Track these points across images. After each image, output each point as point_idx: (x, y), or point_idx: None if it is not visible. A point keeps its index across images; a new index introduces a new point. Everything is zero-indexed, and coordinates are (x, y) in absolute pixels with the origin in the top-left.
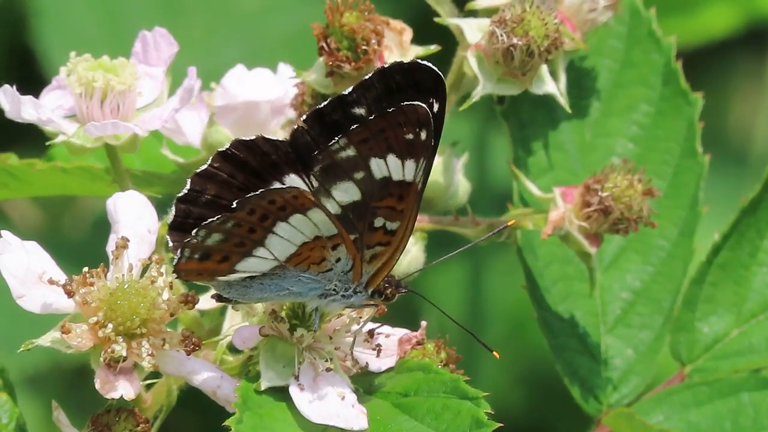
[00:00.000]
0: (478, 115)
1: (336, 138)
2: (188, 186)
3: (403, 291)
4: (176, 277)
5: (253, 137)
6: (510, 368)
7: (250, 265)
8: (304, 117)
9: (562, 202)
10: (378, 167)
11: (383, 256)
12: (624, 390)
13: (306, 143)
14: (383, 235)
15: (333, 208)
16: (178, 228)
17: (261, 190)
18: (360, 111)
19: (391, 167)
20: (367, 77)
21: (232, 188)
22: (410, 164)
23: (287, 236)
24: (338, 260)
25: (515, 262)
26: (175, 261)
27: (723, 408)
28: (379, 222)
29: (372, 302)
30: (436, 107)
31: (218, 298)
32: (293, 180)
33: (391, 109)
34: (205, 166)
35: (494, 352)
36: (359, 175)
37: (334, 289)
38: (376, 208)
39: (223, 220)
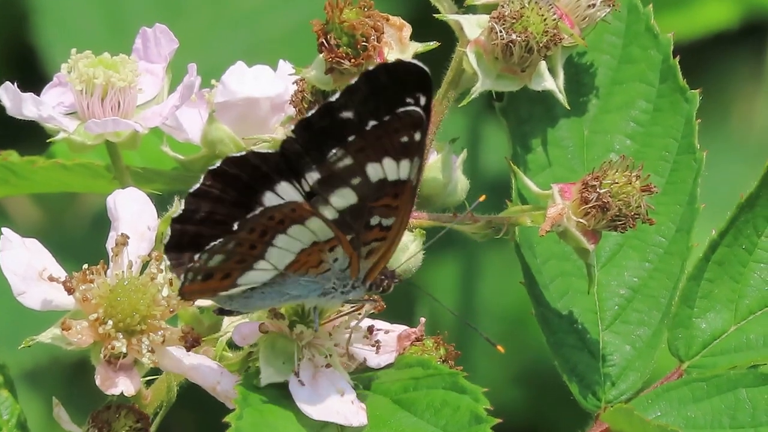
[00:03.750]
0: (470, 109)
1: (333, 151)
2: (183, 207)
3: (397, 281)
4: (180, 300)
5: (243, 153)
6: (504, 365)
7: (251, 278)
8: (293, 128)
9: (560, 198)
10: (374, 171)
11: (379, 251)
12: (622, 386)
13: (296, 151)
14: (379, 232)
15: (330, 213)
16: (176, 247)
17: (260, 209)
18: (347, 114)
19: (386, 169)
20: (352, 83)
21: (225, 203)
22: (405, 163)
23: (286, 246)
24: (336, 260)
25: (511, 260)
26: (180, 286)
27: (721, 404)
28: (375, 220)
29: (370, 296)
30: (422, 101)
31: (219, 311)
32: (285, 188)
33: (387, 117)
34: (197, 185)
35: (498, 347)
36: (356, 181)
37: (333, 287)
38: (373, 208)
39: (225, 242)
